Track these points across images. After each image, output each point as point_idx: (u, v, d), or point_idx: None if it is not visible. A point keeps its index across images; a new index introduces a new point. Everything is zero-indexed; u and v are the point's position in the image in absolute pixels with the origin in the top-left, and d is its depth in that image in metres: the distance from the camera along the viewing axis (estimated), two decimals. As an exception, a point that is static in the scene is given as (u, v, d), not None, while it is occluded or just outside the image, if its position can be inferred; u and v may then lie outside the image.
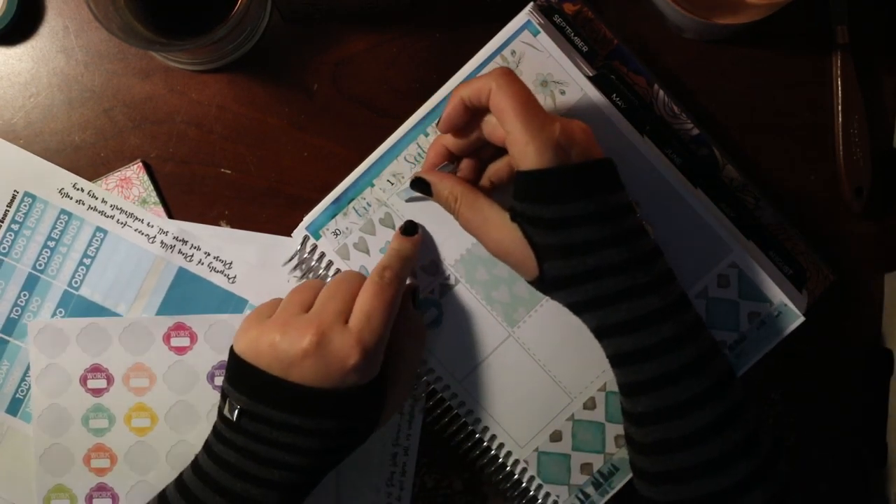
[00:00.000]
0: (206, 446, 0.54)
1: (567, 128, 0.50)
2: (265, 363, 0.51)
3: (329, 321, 0.51)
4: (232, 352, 0.54)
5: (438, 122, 0.55)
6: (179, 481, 0.54)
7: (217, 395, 0.63)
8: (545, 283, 0.52)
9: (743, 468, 0.50)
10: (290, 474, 0.52)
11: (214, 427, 0.54)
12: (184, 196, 0.64)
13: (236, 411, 0.52)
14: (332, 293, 0.54)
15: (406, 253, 0.58)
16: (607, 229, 0.50)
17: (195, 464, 0.54)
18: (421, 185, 0.58)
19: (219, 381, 0.63)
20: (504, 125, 0.51)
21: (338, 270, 0.62)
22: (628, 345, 0.51)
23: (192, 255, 0.64)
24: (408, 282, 0.60)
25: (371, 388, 0.53)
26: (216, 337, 0.63)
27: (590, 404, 0.61)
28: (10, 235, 0.63)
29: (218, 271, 0.63)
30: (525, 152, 0.50)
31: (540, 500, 0.62)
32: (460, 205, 0.56)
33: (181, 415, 0.63)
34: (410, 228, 0.60)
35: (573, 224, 0.50)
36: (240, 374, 0.52)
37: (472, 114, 0.54)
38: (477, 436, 0.62)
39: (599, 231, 0.50)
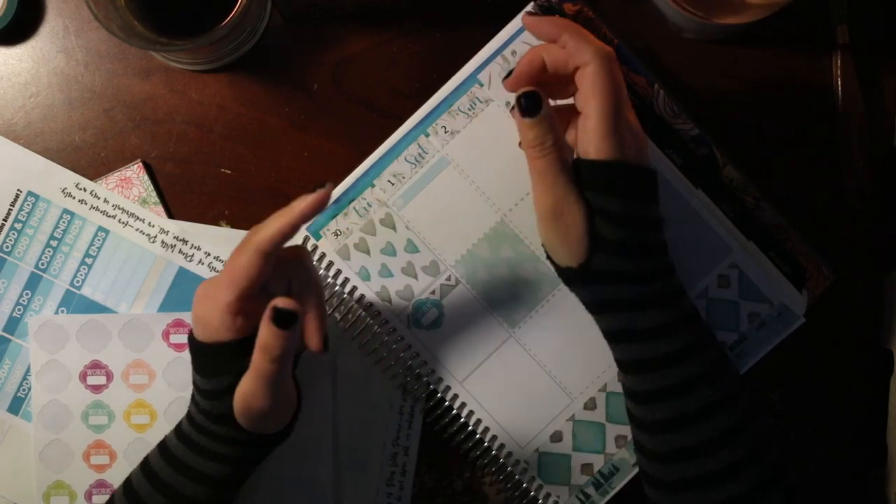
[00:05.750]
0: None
1: (639, 129, 0.52)
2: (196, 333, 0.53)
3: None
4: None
5: (509, 75, 0.54)
6: (127, 483, 0.55)
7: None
8: (584, 273, 0.52)
9: (759, 471, 0.50)
10: (215, 464, 0.53)
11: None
12: (184, 196, 0.64)
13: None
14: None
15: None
16: (650, 240, 0.52)
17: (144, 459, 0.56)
18: (533, 104, 0.51)
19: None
20: (585, 106, 0.51)
21: (338, 271, 0.62)
22: (650, 352, 0.51)
23: (192, 255, 0.64)
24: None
25: None
26: (216, 336, 0.63)
27: (590, 405, 0.61)
28: (13, 234, 0.63)
29: (218, 271, 0.63)
30: (606, 141, 0.50)
31: (540, 501, 0.62)
32: (547, 154, 0.51)
33: (180, 411, 0.63)
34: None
35: (632, 224, 0.51)
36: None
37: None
38: (477, 436, 0.62)
39: (646, 239, 0.52)
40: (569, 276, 0.53)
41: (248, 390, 0.50)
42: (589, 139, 0.50)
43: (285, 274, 0.52)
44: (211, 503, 0.54)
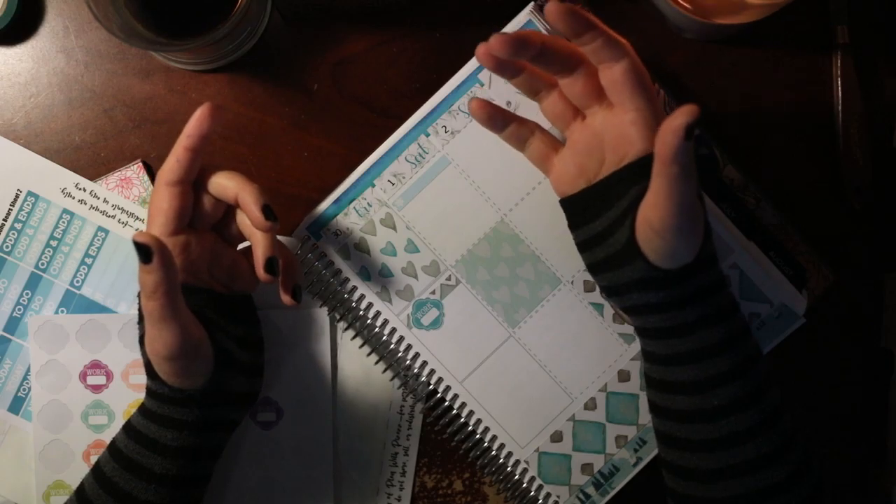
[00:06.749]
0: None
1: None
2: None
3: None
4: None
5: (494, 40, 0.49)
6: (96, 468, 0.55)
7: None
8: (699, 260, 0.49)
9: (794, 459, 0.50)
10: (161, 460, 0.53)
11: None
12: (184, 196, 0.64)
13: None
14: None
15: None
16: None
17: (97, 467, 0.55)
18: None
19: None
20: (627, 101, 0.51)
21: (338, 271, 0.62)
22: (721, 334, 0.50)
23: (192, 255, 0.64)
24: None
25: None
26: (216, 336, 0.63)
27: (590, 405, 0.61)
28: (13, 234, 0.63)
29: (218, 271, 0.64)
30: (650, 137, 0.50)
31: (540, 501, 0.62)
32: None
33: (181, 413, 0.63)
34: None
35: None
36: None
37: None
38: (477, 436, 0.62)
39: None
40: (679, 275, 0.50)
41: (147, 334, 0.50)
42: (644, 137, 0.50)
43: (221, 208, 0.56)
44: (181, 479, 0.54)
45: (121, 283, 0.63)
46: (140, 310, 0.54)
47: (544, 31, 0.60)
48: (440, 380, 0.62)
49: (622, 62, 0.50)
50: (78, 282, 0.63)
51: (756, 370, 0.51)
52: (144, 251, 0.46)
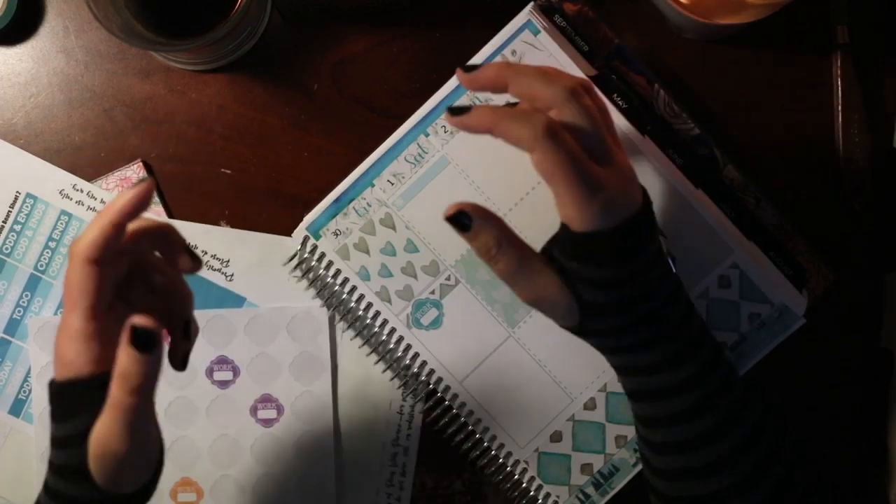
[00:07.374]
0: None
1: (622, 163, 0.48)
2: None
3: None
4: None
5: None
6: None
7: (216, 390, 0.63)
8: (582, 331, 0.50)
9: (762, 491, 0.49)
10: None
11: None
12: (184, 196, 0.64)
13: None
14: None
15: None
16: (646, 284, 0.48)
17: None
18: (460, 221, 0.47)
19: (218, 375, 0.63)
20: (550, 185, 0.47)
21: (338, 271, 0.62)
22: (652, 384, 0.50)
23: (192, 255, 0.64)
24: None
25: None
26: (214, 331, 0.63)
27: (590, 405, 0.61)
28: (13, 236, 0.63)
29: (215, 269, 0.63)
30: (580, 217, 0.46)
31: (540, 501, 0.62)
32: (504, 255, 0.48)
33: (181, 411, 0.63)
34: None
35: (623, 282, 0.48)
36: None
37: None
38: (477, 436, 0.62)
39: (640, 287, 0.48)
40: (572, 331, 0.51)
41: (104, 429, 0.43)
42: (564, 211, 0.47)
43: (143, 276, 0.48)
44: None
45: (120, 283, 0.63)
46: (65, 394, 0.45)
47: (543, 31, 0.60)
48: (440, 380, 0.62)
49: (533, 155, 0.46)
50: (78, 282, 0.63)
51: (714, 411, 0.49)
52: (150, 339, 0.40)
